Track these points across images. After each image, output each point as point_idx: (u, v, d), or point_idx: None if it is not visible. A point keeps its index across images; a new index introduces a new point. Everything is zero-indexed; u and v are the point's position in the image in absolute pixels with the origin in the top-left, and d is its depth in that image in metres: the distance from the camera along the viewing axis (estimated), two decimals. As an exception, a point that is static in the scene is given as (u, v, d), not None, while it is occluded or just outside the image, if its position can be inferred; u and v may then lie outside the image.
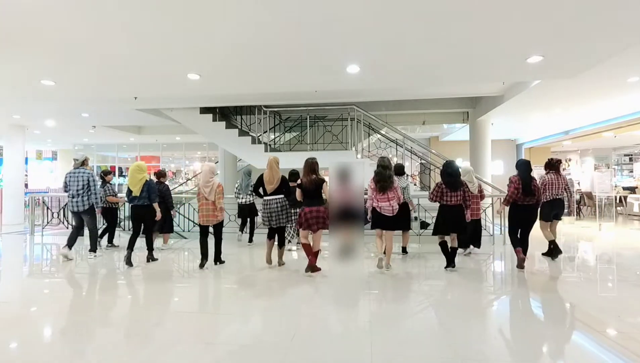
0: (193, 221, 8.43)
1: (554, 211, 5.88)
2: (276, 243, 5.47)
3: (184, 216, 8.67)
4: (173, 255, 6.46)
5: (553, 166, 5.99)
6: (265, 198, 5.28)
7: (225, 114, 10.05)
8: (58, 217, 9.10)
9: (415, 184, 9.86)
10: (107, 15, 3.80)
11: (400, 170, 6.18)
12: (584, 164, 15.13)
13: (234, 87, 6.49)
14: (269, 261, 5.40)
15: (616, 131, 9.84)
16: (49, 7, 3.61)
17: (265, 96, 8.23)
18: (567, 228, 9.42)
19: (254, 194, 5.78)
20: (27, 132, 11.86)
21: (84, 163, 6.11)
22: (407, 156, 9.09)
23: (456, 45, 4.58)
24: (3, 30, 4.11)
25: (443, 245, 5.23)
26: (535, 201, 5.23)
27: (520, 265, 5.16)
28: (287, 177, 5.67)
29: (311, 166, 4.95)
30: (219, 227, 5.46)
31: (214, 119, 9.37)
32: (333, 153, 8.67)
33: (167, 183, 6.99)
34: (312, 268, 4.90)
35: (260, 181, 5.35)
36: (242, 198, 7.21)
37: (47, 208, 9.05)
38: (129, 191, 5.62)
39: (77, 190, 5.86)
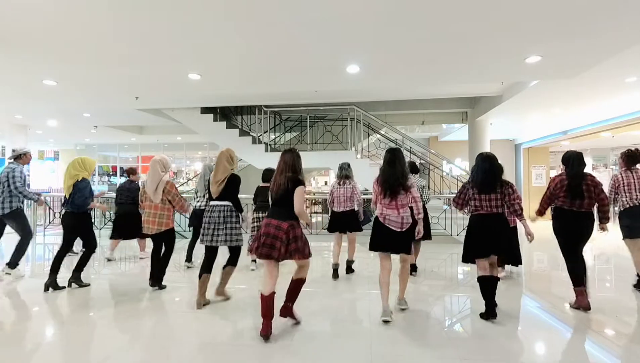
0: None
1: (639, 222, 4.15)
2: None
3: (185, 216, 8.70)
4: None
5: (637, 158, 4.30)
6: (211, 202, 3.87)
7: (226, 114, 10.10)
8: (60, 217, 9.13)
9: (414, 184, 9.89)
10: (108, 15, 3.85)
11: (413, 168, 5.20)
12: (583, 164, 15.15)
13: (234, 87, 6.54)
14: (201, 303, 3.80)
15: (614, 131, 9.86)
16: (50, 7, 3.66)
17: (266, 96, 8.28)
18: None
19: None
20: (29, 132, 11.91)
21: (18, 157, 5.14)
22: (407, 155, 9.13)
23: (456, 45, 4.63)
24: (4, 30, 4.16)
25: (483, 281, 3.50)
26: (586, 207, 3.71)
27: (585, 307, 3.71)
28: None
29: (288, 160, 3.24)
30: (169, 237, 4.40)
31: (215, 119, 9.43)
32: (333, 153, 8.72)
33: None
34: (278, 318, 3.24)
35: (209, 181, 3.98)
36: (198, 201, 5.42)
37: (49, 208, 9.09)
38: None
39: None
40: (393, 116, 10.63)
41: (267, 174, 5.19)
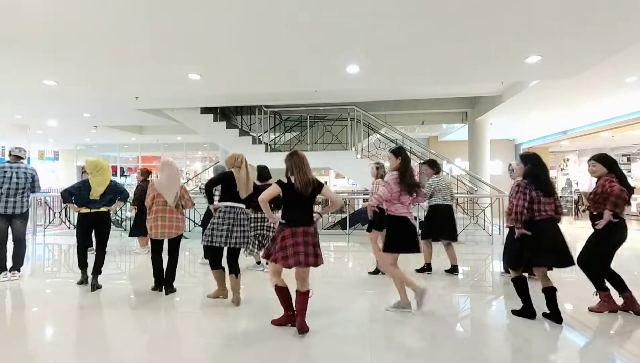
0: (193, 221, 8.44)
1: None
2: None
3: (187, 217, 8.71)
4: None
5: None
6: (234, 204, 3.71)
7: (226, 114, 10.11)
8: (60, 217, 9.14)
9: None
10: (108, 15, 3.85)
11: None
12: (582, 164, 15.17)
13: (234, 87, 6.56)
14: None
15: (614, 131, 9.89)
16: (50, 7, 3.67)
17: (266, 96, 8.29)
18: (564, 228, 9.44)
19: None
20: (29, 132, 11.93)
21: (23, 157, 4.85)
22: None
23: (456, 45, 4.64)
24: (5, 31, 4.16)
25: (520, 282, 3.38)
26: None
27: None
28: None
29: (306, 161, 3.12)
30: (178, 241, 4.18)
31: (215, 119, 9.43)
32: (333, 153, 8.73)
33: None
34: (301, 328, 3.05)
35: (232, 181, 3.67)
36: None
37: (49, 208, 9.09)
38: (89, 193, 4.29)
39: (21, 188, 4.63)
40: (393, 116, 10.64)
41: (263, 171, 4.81)
